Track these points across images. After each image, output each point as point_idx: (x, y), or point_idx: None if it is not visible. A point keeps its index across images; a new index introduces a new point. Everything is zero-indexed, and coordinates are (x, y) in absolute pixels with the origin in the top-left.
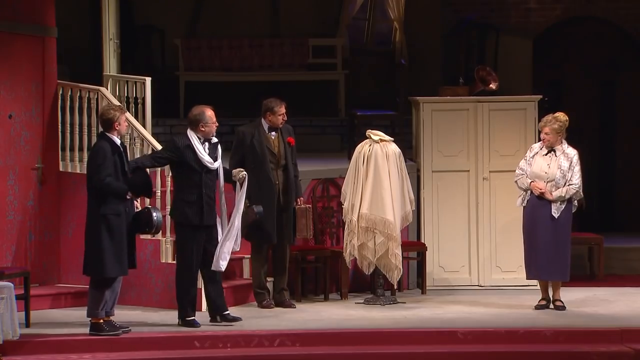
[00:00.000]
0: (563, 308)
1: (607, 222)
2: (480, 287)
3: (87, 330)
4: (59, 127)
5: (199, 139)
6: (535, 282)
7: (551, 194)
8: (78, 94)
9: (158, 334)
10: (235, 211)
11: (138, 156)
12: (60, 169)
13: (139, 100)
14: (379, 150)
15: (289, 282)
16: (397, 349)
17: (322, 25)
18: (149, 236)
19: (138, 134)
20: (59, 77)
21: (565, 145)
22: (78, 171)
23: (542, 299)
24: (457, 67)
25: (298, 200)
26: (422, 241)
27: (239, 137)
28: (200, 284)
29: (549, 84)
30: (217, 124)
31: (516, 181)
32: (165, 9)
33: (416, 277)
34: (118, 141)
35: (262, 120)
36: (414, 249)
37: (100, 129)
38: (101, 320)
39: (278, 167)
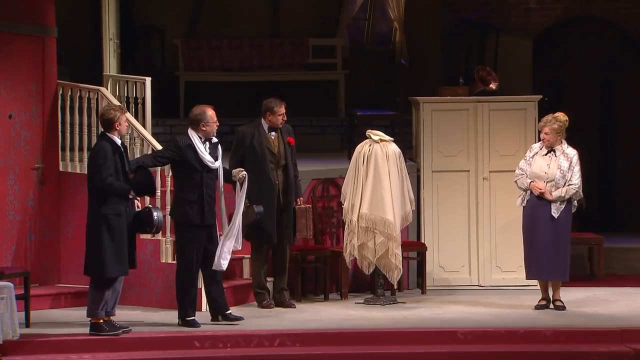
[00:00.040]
0: (563, 308)
1: (607, 222)
2: (480, 287)
3: (87, 330)
4: (59, 127)
5: (200, 138)
6: (535, 282)
7: (551, 194)
8: (78, 94)
9: (158, 334)
10: (235, 211)
11: (138, 156)
12: (60, 169)
13: (139, 100)
14: (379, 150)
15: (289, 282)
16: (397, 349)
17: (322, 25)
18: (149, 236)
19: (138, 134)
20: (59, 77)
21: (565, 146)
22: (78, 171)
23: (542, 299)
24: (457, 67)
25: (298, 200)
26: (422, 241)
27: (239, 137)
28: (201, 283)
29: (549, 84)
30: (218, 124)
31: (516, 181)
32: (165, 9)
33: (416, 277)
34: (119, 141)
35: (262, 120)
36: (414, 249)
37: (101, 129)
38: (101, 320)
39: (278, 167)
